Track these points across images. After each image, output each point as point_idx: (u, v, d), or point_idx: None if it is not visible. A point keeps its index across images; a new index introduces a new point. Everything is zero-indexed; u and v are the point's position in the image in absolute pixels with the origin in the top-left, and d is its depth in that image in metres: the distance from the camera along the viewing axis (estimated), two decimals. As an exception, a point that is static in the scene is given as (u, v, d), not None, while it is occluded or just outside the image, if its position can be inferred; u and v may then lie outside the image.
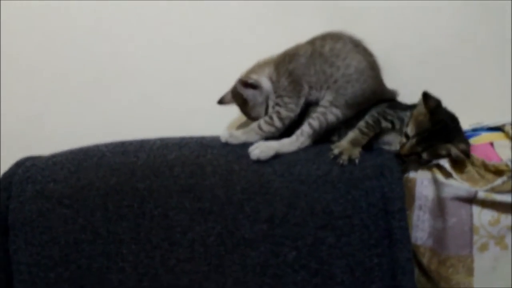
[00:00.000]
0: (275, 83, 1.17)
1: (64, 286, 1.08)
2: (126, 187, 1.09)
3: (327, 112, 1.12)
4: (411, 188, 1.06)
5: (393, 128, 1.12)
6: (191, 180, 1.08)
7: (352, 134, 1.10)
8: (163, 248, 1.07)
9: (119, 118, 1.40)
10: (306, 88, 1.15)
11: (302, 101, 1.15)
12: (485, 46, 1.31)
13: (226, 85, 1.26)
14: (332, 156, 1.07)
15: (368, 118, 1.12)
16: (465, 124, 1.19)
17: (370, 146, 1.12)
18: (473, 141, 1.11)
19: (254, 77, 1.17)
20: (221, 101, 1.23)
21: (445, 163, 1.02)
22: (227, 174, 1.08)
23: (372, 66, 1.14)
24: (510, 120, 1.13)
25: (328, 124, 1.12)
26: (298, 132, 1.12)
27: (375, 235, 1.03)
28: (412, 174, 1.08)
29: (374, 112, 1.14)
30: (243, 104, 1.20)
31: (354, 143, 1.09)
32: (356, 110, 1.13)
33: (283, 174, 1.06)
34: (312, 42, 1.17)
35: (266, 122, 1.13)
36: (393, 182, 1.05)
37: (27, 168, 1.14)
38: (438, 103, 1.07)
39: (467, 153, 1.02)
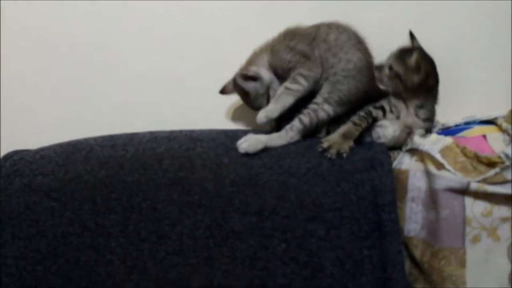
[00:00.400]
0: (274, 64, 1.17)
1: (52, 279, 1.07)
2: (114, 180, 1.08)
3: (318, 109, 1.11)
4: (404, 180, 1.06)
5: (384, 114, 1.14)
6: (180, 173, 1.07)
7: (344, 127, 1.11)
8: (152, 241, 1.06)
9: (111, 113, 1.38)
10: (316, 60, 1.13)
11: (318, 63, 1.13)
12: (485, 46, 1.32)
13: (219, 81, 1.26)
14: (320, 150, 1.07)
15: (361, 111, 1.14)
16: (458, 117, 1.20)
17: (359, 140, 1.12)
18: (466, 133, 1.11)
19: (253, 69, 1.17)
20: (223, 91, 1.23)
21: (436, 153, 1.02)
22: (216, 167, 1.07)
23: (370, 67, 1.15)
24: (502, 113, 1.13)
25: (318, 121, 1.12)
26: (288, 126, 1.12)
27: (365, 228, 1.03)
28: (404, 166, 1.08)
29: (365, 107, 1.15)
30: (245, 96, 1.20)
31: (346, 135, 1.09)
32: (347, 109, 1.13)
33: (273, 167, 1.06)
34: (317, 26, 1.16)
35: (291, 82, 1.11)
36: (383, 175, 1.05)
37: (15, 162, 1.14)
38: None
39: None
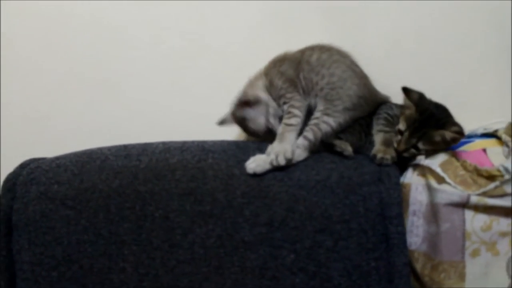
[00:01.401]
0: (269, 88, 1.20)
1: (66, 285, 1.10)
2: (128, 190, 1.11)
3: (319, 122, 1.13)
4: (406, 194, 1.08)
5: (398, 123, 1.16)
6: (192, 183, 1.10)
7: (379, 136, 1.14)
8: (164, 249, 1.09)
9: (124, 121, 1.41)
10: (300, 88, 1.18)
11: (302, 93, 1.17)
12: (485, 48, 1.33)
13: (228, 90, 1.28)
14: (378, 163, 1.09)
15: (378, 120, 1.17)
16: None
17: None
18: (466, 147, 1.13)
19: (251, 93, 1.20)
20: (222, 123, 1.24)
21: (436, 167, 1.04)
22: (227, 178, 1.10)
23: (358, 75, 1.17)
24: (503, 125, 1.14)
25: (323, 134, 1.13)
26: (294, 145, 1.13)
27: (372, 240, 1.05)
28: (407, 180, 1.09)
29: (379, 113, 1.19)
30: (244, 123, 1.21)
31: (387, 143, 1.12)
32: (349, 118, 1.15)
33: (283, 179, 1.08)
34: (302, 51, 1.22)
35: (289, 117, 1.14)
36: (390, 188, 1.07)
37: (32, 170, 1.17)
38: (420, 94, 1.12)
39: (461, 132, 1.06)
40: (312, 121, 1.14)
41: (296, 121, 1.14)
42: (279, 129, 1.15)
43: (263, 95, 1.20)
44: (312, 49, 1.20)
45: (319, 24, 1.34)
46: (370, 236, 1.05)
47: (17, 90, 1.42)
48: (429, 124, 1.09)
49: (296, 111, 1.15)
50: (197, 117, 1.39)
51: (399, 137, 1.12)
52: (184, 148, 1.17)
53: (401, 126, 1.12)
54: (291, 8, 1.35)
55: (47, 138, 1.41)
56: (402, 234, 1.05)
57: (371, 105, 1.19)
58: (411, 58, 1.33)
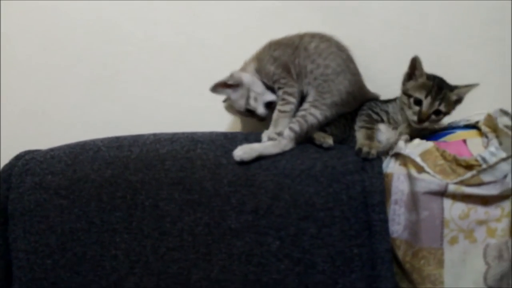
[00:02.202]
0: (259, 71, 1.23)
1: (60, 272, 1.14)
2: (119, 180, 1.15)
3: (306, 114, 1.16)
4: (388, 183, 1.10)
5: (381, 120, 1.20)
6: (181, 173, 1.13)
7: (361, 132, 1.16)
8: (154, 237, 1.12)
9: (118, 115, 1.45)
10: (294, 73, 1.20)
11: (295, 79, 1.19)
12: (485, 47, 1.35)
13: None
14: (363, 156, 1.12)
15: (361, 116, 1.20)
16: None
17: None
18: (447, 138, 1.15)
19: (235, 75, 1.23)
20: (214, 90, 1.26)
21: (416, 157, 1.06)
22: (215, 167, 1.13)
23: (351, 71, 1.19)
24: (483, 116, 1.16)
25: (309, 126, 1.16)
26: (281, 135, 1.16)
27: (355, 227, 1.08)
28: (389, 170, 1.12)
29: (362, 109, 1.21)
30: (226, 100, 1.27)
31: (370, 138, 1.15)
32: (335, 112, 1.18)
33: (268, 168, 1.12)
34: (300, 36, 1.22)
35: (282, 104, 1.18)
36: (373, 177, 1.10)
37: (27, 161, 1.20)
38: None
39: (470, 85, 1.14)
40: (300, 113, 1.17)
41: (290, 107, 1.17)
42: (274, 115, 1.18)
43: (247, 78, 1.23)
44: (312, 36, 1.21)
45: (315, 19, 1.36)
46: (353, 224, 1.08)
47: (14, 85, 1.47)
48: (443, 87, 1.14)
49: (290, 98, 1.18)
50: (190, 110, 1.42)
51: (417, 108, 1.14)
52: (174, 139, 1.20)
53: (419, 95, 1.14)
54: (287, 2, 1.38)
55: (43, 132, 1.45)
56: (384, 221, 1.08)
57: (358, 102, 1.22)
58: (410, 57, 1.34)
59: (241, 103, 1.24)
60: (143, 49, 1.42)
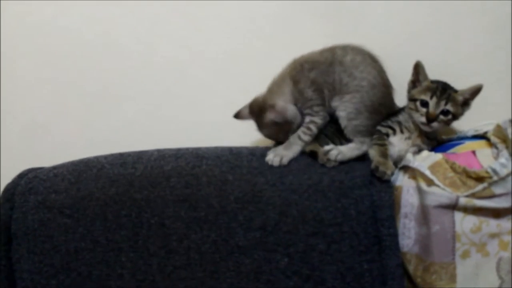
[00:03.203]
0: (297, 96, 1.18)
1: (66, 293, 1.12)
2: (124, 197, 1.13)
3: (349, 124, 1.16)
4: (397, 196, 1.09)
5: (394, 132, 1.18)
6: (187, 190, 1.12)
7: (375, 150, 1.14)
8: (160, 255, 1.11)
9: (121, 130, 1.44)
10: (326, 93, 1.17)
11: (327, 103, 1.18)
12: (485, 47, 1.33)
13: (222, 97, 1.30)
14: (380, 176, 1.10)
15: (374, 134, 1.18)
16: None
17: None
18: (456, 150, 1.14)
19: (280, 109, 1.17)
20: (237, 116, 1.23)
21: (425, 170, 1.05)
22: (221, 184, 1.12)
23: (385, 84, 1.18)
24: (492, 127, 1.15)
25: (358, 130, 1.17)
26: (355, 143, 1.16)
27: (364, 242, 1.06)
28: (398, 183, 1.10)
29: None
30: (262, 124, 1.21)
31: (384, 155, 1.13)
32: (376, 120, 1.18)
33: (275, 183, 1.10)
34: (332, 50, 1.19)
35: (304, 132, 1.16)
36: (382, 190, 1.08)
37: (30, 180, 1.19)
38: None
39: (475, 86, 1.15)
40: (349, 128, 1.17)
41: (309, 139, 1.16)
42: (291, 137, 1.17)
43: (292, 112, 1.18)
44: (344, 49, 1.18)
45: (317, 31, 1.35)
46: (362, 239, 1.06)
47: (16, 101, 1.45)
48: (446, 88, 1.15)
49: (314, 129, 1.16)
50: (193, 124, 1.41)
51: (424, 110, 1.14)
52: (178, 155, 1.19)
53: (424, 96, 1.14)
54: (287, 13, 1.37)
55: (46, 148, 1.44)
56: (394, 236, 1.06)
57: (386, 113, 1.20)
58: (410, 58, 1.33)
59: (280, 137, 1.19)
60: (145, 64, 1.41)
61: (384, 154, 1.14)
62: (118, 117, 1.43)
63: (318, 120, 1.17)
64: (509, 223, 1.02)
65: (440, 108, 1.14)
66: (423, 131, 1.17)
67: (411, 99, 1.18)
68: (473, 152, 1.11)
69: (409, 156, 1.11)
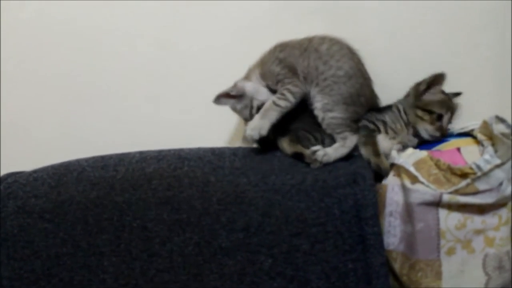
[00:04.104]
0: (264, 76, 1.19)
1: (47, 299, 1.10)
2: (105, 201, 1.11)
3: (325, 117, 1.15)
4: (382, 195, 1.08)
5: (378, 130, 1.18)
6: (169, 192, 1.10)
7: (368, 150, 1.14)
8: (143, 259, 1.09)
9: (103, 132, 1.42)
10: (300, 75, 1.16)
11: (302, 78, 1.16)
12: (485, 48, 1.33)
13: (205, 97, 1.28)
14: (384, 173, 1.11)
15: (360, 132, 1.17)
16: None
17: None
18: (440, 147, 1.13)
19: (238, 85, 1.20)
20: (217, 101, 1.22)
21: (410, 166, 1.04)
22: (203, 185, 1.10)
23: (363, 75, 1.18)
24: (478, 124, 1.15)
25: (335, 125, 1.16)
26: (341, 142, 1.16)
27: (349, 241, 1.05)
28: (383, 181, 1.10)
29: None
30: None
31: (377, 154, 1.13)
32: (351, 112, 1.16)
33: (258, 184, 1.09)
34: (310, 38, 1.19)
35: (279, 98, 1.14)
36: (365, 189, 1.07)
37: (9, 184, 1.17)
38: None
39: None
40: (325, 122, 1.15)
41: (286, 104, 1.13)
42: (266, 104, 1.15)
43: (249, 87, 1.20)
44: (322, 38, 1.18)
45: (315, 23, 1.33)
46: (347, 238, 1.05)
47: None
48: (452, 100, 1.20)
49: (290, 96, 1.14)
50: (177, 124, 1.39)
51: (439, 124, 1.17)
52: (160, 157, 1.17)
53: (440, 110, 1.17)
54: (276, 11, 1.35)
55: (26, 151, 1.41)
56: (378, 234, 1.05)
57: (368, 106, 1.19)
58: (410, 59, 1.33)
59: (245, 114, 1.20)
60: (128, 64, 1.39)
61: (377, 152, 1.13)
62: (100, 119, 1.41)
63: (293, 88, 1.14)
64: (494, 219, 1.01)
65: (449, 122, 1.17)
66: (410, 131, 1.16)
67: (423, 108, 1.18)
68: (458, 149, 1.10)
69: (394, 153, 1.11)
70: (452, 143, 1.13)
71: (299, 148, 1.15)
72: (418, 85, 1.20)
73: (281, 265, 1.05)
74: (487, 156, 1.01)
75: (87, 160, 1.21)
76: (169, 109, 1.39)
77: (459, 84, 1.29)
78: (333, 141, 1.16)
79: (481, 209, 1.01)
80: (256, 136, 1.12)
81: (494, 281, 1.02)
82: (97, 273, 1.10)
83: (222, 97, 1.19)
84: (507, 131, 1.07)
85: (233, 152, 1.17)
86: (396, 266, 1.07)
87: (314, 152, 1.12)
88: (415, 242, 1.03)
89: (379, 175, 1.11)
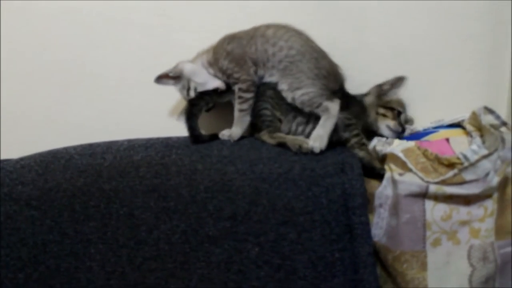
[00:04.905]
0: (213, 64, 1.22)
1: (34, 286, 1.09)
2: (92, 188, 1.11)
3: (295, 96, 1.16)
4: (372, 187, 1.08)
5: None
6: (156, 180, 1.10)
7: (363, 152, 1.16)
8: (130, 247, 1.09)
9: (93, 121, 1.41)
10: (249, 62, 1.19)
11: (251, 70, 1.19)
12: (486, 48, 1.33)
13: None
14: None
15: (353, 139, 1.19)
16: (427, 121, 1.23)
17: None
18: (429, 137, 1.13)
19: (178, 67, 1.23)
20: (158, 81, 1.25)
21: (398, 152, 1.04)
22: (191, 173, 1.10)
23: (316, 50, 1.19)
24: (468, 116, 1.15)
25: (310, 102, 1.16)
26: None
27: (336, 231, 1.05)
28: (376, 176, 1.10)
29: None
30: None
31: (370, 154, 1.16)
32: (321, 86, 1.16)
33: (245, 172, 1.08)
34: (256, 28, 1.22)
35: (240, 103, 1.18)
36: (353, 179, 1.07)
37: (-5, 172, 1.16)
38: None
39: None
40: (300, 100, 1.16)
41: (248, 104, 1.18)
42: (235, 113, 1.19)
43: (187, 69, 1.22)
44: (267, 25, 1.21)
45: (313, 20, 1.33)
46: (334, 227, 1.05)
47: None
48: None
49: (246, 94, 1.17)
50: (166, 114, 1.38)
51: (398, 119, 1.24)
52: (148, 145, 1.17)
53: (402, 109, 1.25)
54: (274, 10, 1.35)
55: (13, 139, 1.40)
56: (366, 224, 1.06)
57: (333, 74, 1.20)
58: (410, 59, 1.33)
59: (183, 94, 1.23)
60: (117, 52, 1.38)
61: (370, 153, 1.15)
62: (89, 106, 1.40)
63: (243, 85, 1.18)
64: (480, 210, 1.01)
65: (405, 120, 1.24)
66: None
67: (385, 106, 1.23)
68: (447, 140, 1.10)
69: (380, 146, 1.10)
70: (441, 134, 1.13)
71: (280, 138, 1.15)
72: (381, 85, 1.25)
73: (268, 253, 1.05)
74: (474, 147, 1.02)
75: (75, 147, 1.20)
76: (159, 98, 1.38)
77: (450, 75, 1.29)
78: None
79: (467, 200, 1.01)
80: (226, 138, 1.19)
81: (478, 272, 1.03)
82: (84, 261, 1.10)
83: (163, 78, 1.23)
84: (495, 122, 1.07)
85: (221, 140, 1.16)
86: (381, 257, 1.07)
87: (300, 146, 1.13)
88: (401, 234, 1.03)
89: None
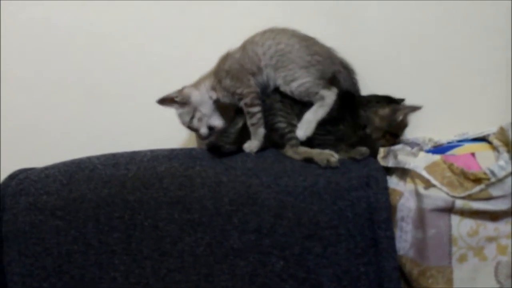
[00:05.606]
0: (217, 88, 1.22)
1: (58, 296, 1.10)
2: (117, 199, 1.11)
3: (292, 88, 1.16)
4: (394, 199, 1.07)
5: None
6: (180, 191, 1.10)
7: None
8: (154, 258, 1.09)
9: (113, 130, 1.42)
10: (247, 74, 1.19)
11: (252, 82, 1.19)
12: (486, 49, 1.32)
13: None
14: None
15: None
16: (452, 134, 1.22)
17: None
18: (455, 151, 1.12)
19: (185, 91, 1.23)
20: (161, 103, 1.25)
21: (421, 170, 1.04)
22: (215, 185, 1.10)
23: (303, 38, 1.19)
24: (494, 130, 1.14)
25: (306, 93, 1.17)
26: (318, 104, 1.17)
27: (361, 245, 1.05)
28: (394, 186, 1.09)
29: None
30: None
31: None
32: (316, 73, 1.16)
33: (270, 185, 1.08)
34: (246, 40, 1.23)
35: (249, 118, 1.18)
36: (378, 192, 1.07)
37: (20, 181, 1.16)
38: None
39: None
40: (298, 90, 1.17)
41: (256, 118, 1.17)
42: (251, 129, 1.18)
43: (196, 97, 1.22)
44: (254, 34, 1.22)
45: (317, 24, 1.31)
46: (359, 241, 1.05)
47: (7, 101, 1.43)
48: None
49: (253, 108, 1.17)
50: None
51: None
52: (171, 156, 1.17)
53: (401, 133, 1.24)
54: (282, 14, 1.34)
55: (37, 148, 1.41)
56: (391, 238, 1.05)
57: (328, 57, 1.20)
58: (411, 60, 1.32)
59: (185, 120, 1.23)
60: (137, 63, 1.38)
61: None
62: (111, 116, 1.40)
63: (247, 100, 1.18)
64: (507, 227, 1.01)
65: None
66: None
67: (393, 133, 1.22)
68: (473, 154, 1.09)
69: (404, 157, 1.10)
70: (466, 148, 1.12)
71: (306, 153, 1.15)
72: (395, 112, 1.18)
73: (292, 267, 1.05)
74: (502, 162, 1.01)
75: (98, 157, 1.20)
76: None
77: (475, 88, 1.28)
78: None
79: (494, 216, 1.00)
80: (248, 151, 1.17)
81: (506, 289, 1.02)
82: (108, 271, 1.10)
83: (167, 100, 1.22)
84: (524, 137, 1.06)
85: (245, 153, 1.16)
86: (405, 271, 1.07)
87: (328, 161, 1.12)
88: (426, 248, 1.03)
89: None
